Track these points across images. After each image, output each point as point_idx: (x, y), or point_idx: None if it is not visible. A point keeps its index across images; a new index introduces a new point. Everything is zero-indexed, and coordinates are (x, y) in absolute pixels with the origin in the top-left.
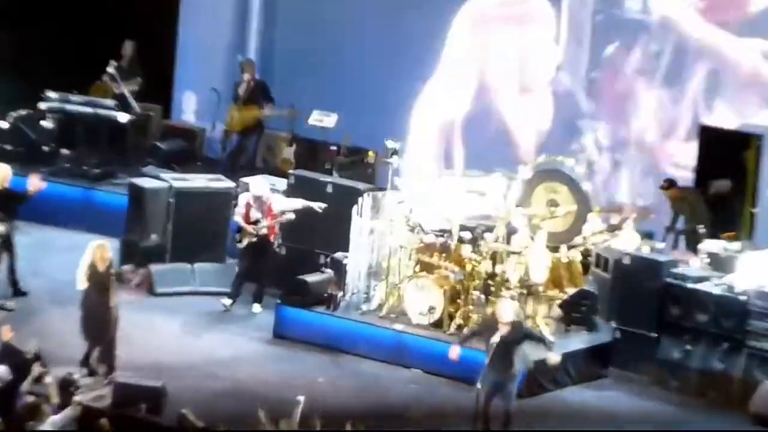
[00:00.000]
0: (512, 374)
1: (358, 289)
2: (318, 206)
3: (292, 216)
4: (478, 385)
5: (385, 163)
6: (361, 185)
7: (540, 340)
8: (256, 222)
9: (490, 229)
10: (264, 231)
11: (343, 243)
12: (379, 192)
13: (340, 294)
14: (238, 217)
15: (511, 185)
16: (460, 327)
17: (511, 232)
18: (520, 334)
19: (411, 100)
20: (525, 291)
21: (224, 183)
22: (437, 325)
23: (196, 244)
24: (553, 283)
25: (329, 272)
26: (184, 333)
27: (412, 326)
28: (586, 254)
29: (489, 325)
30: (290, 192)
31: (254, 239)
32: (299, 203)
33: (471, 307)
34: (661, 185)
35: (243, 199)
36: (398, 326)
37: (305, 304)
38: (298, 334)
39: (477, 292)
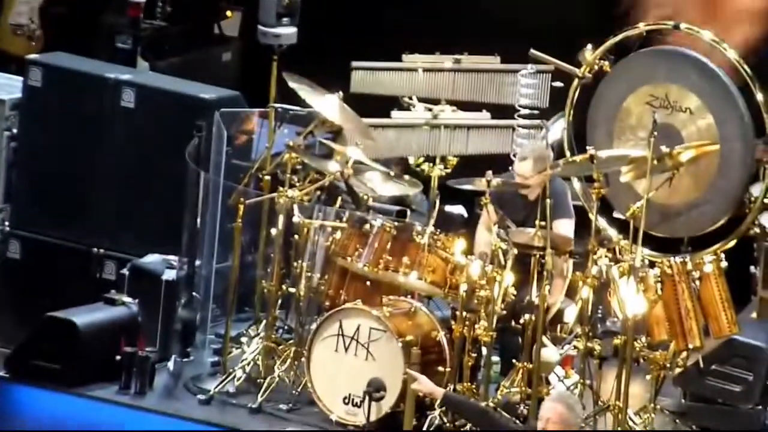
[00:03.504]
0: None
1: (200, 344)
2: None
3: None
4: None
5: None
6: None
7: None
8: None
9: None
10: None
11: (161, 227)
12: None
13: (152, 354)
14: None
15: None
16: (437, 430)
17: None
18: None
19: None
20: (600, 348)
21: None
22: (387, 426)
23: None
24: (661, 327)
25: (127, 303)
26: None
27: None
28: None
29: None
30: None
31: None
32: None
33: (469, 386)
34: None
35: None
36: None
37: (69, 379)
38: None
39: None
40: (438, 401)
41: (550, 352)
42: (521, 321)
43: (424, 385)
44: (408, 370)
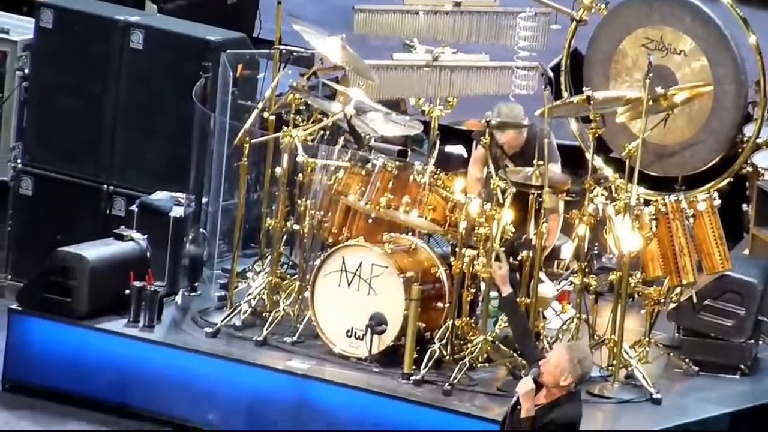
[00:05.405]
0: None
1: (207, 279)
2: None
3: None
4: None
5: None
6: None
7: None
8: None
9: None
10: None
11: (169, 165)
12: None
13: (160, 288)
14: None
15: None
16: (437, 363)
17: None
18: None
19: None
20: (596, 284)
21: None
22: (388, 359)
23: None
24: (655, 264)
25: (136, 238)
26: None
27: (330, 364)
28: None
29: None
30: None
31: None
32: None
33: (468, 320)
34: None
35: None
36: (298, 364)
37: (79, 312)
38: (59, 381)
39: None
40: (502, 295)
41: (547, 288)
42: (519, 257)
43: (502, 272)
44: (500, 252)
